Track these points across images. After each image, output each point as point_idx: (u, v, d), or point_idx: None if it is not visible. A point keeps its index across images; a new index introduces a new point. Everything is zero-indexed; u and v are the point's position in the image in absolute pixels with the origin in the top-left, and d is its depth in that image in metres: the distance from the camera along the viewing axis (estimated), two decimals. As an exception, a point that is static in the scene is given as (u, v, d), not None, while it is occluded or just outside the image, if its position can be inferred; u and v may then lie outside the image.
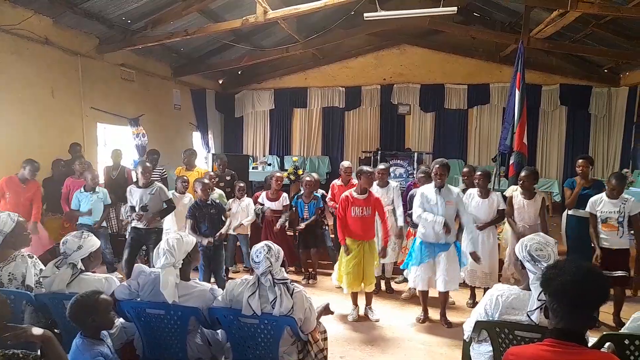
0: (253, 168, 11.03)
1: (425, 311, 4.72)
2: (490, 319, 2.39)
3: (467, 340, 2.61)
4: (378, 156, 8.89)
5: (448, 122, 11.34)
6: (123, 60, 8.28)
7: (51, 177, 6.32)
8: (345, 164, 5.92)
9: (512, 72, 6.29)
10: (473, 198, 5.00)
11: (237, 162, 7.73)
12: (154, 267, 2.87)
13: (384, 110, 11.68)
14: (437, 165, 4.43)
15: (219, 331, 2.92)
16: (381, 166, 5.55)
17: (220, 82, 12.22)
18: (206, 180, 5.21)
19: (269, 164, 11.09)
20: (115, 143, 8.06)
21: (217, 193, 5.85)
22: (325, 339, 2.96)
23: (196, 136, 11.18)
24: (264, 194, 6.16)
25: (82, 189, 5.59)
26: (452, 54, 11.08)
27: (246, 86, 12.35)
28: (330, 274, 6.02)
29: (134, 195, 5.17)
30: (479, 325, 2.43)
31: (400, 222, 5.29)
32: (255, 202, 6.12)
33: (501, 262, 5.19)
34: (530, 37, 7.89)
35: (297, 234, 6.17)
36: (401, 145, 11.42)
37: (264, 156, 12.33)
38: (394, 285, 5.74)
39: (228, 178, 6.67)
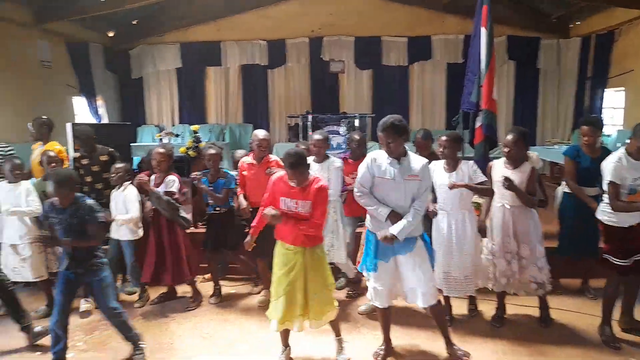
0: (160, 140, 8.97)
1: (388, 342, 3.26)
2: None
3: None
4: (309, 122, 7.25)
5: (387, 80, 9.90)
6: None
7: None
8: (260, 134, 4.11)
9: (477, 5, 4.77)
10: (437, 174, 3.55)
11: (117, 134, 5.66)
12: None
13: (314, 68, 10.02)
14: (381, 133, 2.90)
15: None
16: (317, 136, 4.05)
17: (111, 34, 9.80)
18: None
19: (177, 135, 9.00)
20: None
21: None
22: None
23: (79, 102, 8.83)
24: (153, 177, 4.32)
25: None
26: (390, 1, 9.55)
27: (144, 40, 10.02)
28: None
29: None
30: None
31: None
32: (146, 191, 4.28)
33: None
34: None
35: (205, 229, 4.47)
36: (336, 108, 9.84)
37: (173, 126, 10.24)
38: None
39: (104, 159, 4.66)
